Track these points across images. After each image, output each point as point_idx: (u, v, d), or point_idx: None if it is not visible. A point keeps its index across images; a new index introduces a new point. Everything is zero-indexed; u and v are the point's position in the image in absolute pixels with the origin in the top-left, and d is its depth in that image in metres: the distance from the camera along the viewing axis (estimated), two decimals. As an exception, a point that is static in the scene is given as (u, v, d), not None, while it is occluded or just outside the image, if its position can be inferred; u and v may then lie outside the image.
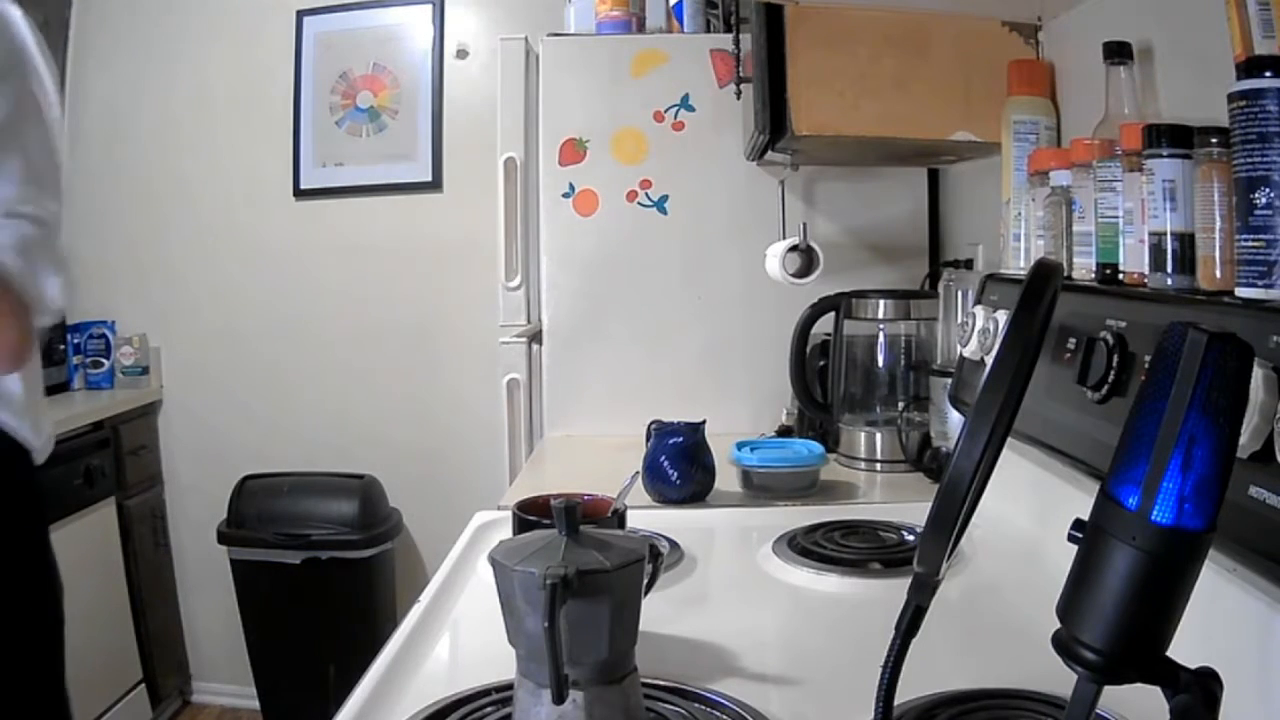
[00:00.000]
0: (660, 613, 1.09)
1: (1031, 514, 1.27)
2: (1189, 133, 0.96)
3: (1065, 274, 1.19)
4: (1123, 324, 0.98)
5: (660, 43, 2.26)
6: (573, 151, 2.22)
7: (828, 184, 2.21)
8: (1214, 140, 0.91)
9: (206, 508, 3.12)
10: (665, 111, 2.20)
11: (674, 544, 1.36)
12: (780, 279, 1.96)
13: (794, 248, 1.96)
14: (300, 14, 3.17)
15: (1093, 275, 1.15)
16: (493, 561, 0.77)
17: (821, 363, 2.02)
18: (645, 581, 0.81)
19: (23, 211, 1.25)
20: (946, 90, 1.62)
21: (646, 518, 1.45)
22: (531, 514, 1.18)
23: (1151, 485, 0.55)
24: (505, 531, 1.25)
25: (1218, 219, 0.91)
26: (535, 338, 2.32)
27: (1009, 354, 0.63)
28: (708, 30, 2.34)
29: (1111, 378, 0.96)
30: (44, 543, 1.36)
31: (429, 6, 3.24)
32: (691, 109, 2.20)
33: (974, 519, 0.72)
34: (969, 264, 1.90)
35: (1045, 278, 0.66)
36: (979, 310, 1.36)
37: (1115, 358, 0.96)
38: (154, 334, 3.26)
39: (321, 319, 3.23)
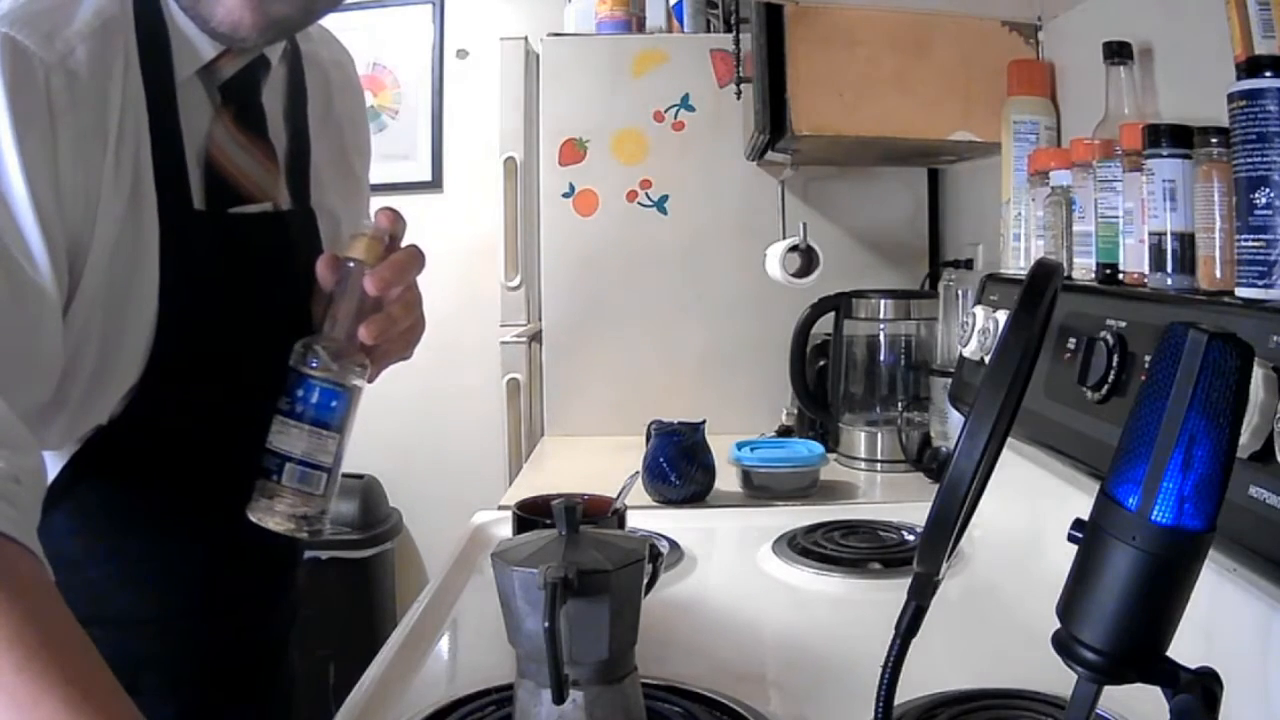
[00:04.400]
0: (660, 613, 1.09)
1: (1031, 514, 1.27)
2: (1189, 133, 0.96)
3: (1065, 274, 1.19)
4: (1123, 324, 0.98)
5: (660, 43, 2.26)
6: (573, 151, 2.22)
7: (828, 184, 2.21)
8: (1214, 140, 0.91)
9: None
10: (665, 111, 2.20)
11: (674, 544, 1.36)
12: (780, 279, 1.95)
13: (794, 248, 1.96)
14: (300, 14, 3.17)
15: (1093, 275, 1.15)
16: (493, 561, 0.77)
17: (821, 363, 2.02)
18: (645, 581, 0.81)
19: None
20: (946, 90, 1.62)
21: (646, 518, 1.45)
22: (531, 514, 1.18)
23: (1151, 485, 0.55)
24: (505, 531, 1.26)
25: (1218, 219, 0.91)
26: (535, 338, 2.32)
27: (1009, 354, 0.63)
28: (708, 30, 2.34)
29: (1111, 378, 0.96)
30: None
31: (429, 6, 3.24)
32: (691, 109, 2.20)
33: (974, 519, 0.72)
34: (969, 264, 1.90)
35: (1045, 278, 0.66)
36: (979, 310, 1.36)
37: (1115, 358, 0.96)
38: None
39: (321, 319, 3.22)
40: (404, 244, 0.95)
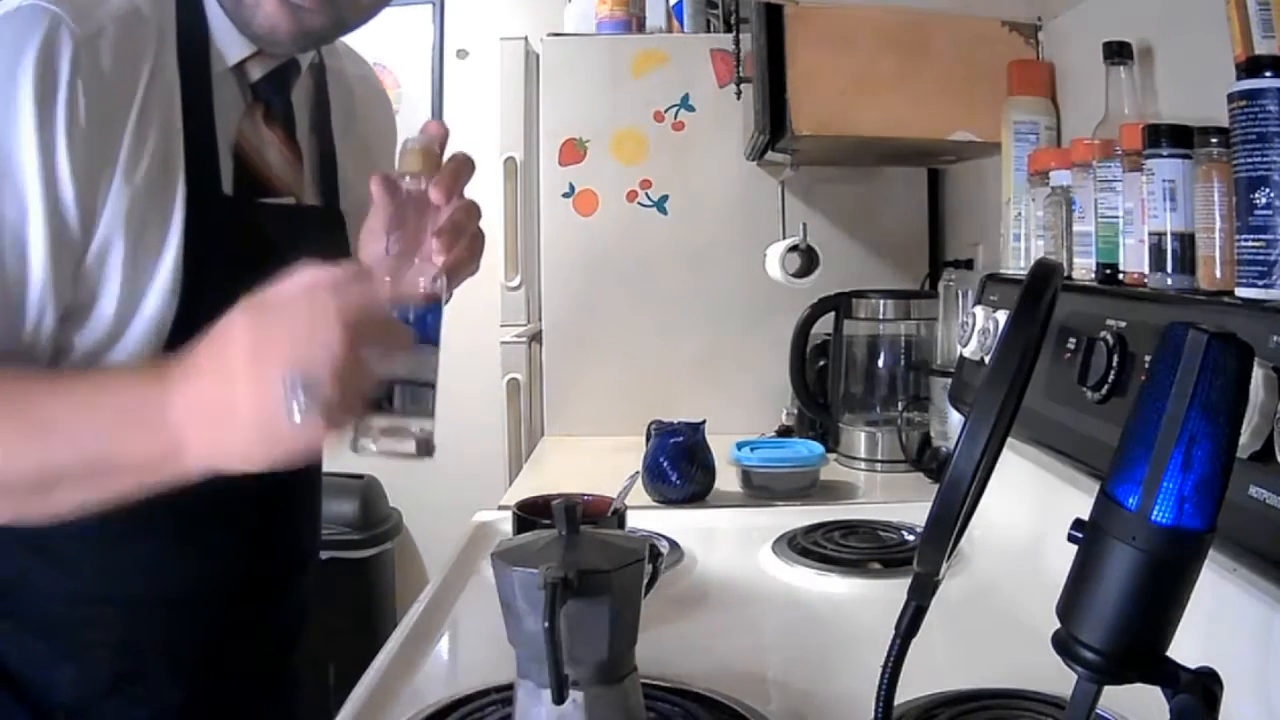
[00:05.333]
0: (660, 613, 1.09)
1: (1031, 514, 1.27)
2: (1189, 133, 0.96)
3: (1065, 274, 1.19)
4: (1123, 324, 0.98)
5: (660, 43, 2.26)
6: (573, 151, 2.22)
7: (828, 184, 2.21)
8: (1214, 140, 0.91)
9: (206, 508, 3.12)
10: (665, 111, 2.20)
11: (674, 544, 1.36)
12: (780, 279, 1.95)
13: (794, 248, 1.96)
14: (300, 14, 3.17)
15: (1093, 275, 1.15)
16: (493, 561, 0.77)
17: (821, 363, 2.02)
18: (645, 581, 0.81)
19: None
20: (946, 90, 1.62)
21: (646, 518, 1.45)
22: (531, 514, 1.18)
23: (1151, 485, 0.55)
24: (505, 531, 1.26)
25: (1218, 219, 0.91)
26: (535, 338, 2.31)
27: (1009, 354, 0.63)
28: (708, 30, 2.34)
29: (1111, 378, 0.96)
30: None
31: (429, 6, 3.24)
32: (691, 109, 2.20)
33: (974, 519, 0.72)
34: (969, 264, 1.90)
35: (1045, 278, 0.66)
36: (979, 310, 1.36)
37: (1115, 358, 0.96)
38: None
39: (321, 319, 3.22)
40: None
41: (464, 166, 0.93)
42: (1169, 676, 0.58)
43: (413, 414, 0.86)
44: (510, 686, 0.81)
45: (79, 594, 0.95)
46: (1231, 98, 0.85)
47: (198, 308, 0.91)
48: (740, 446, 1.73)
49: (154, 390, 0.76)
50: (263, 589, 1.08)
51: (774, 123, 1.62)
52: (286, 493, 1.09)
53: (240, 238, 0.96)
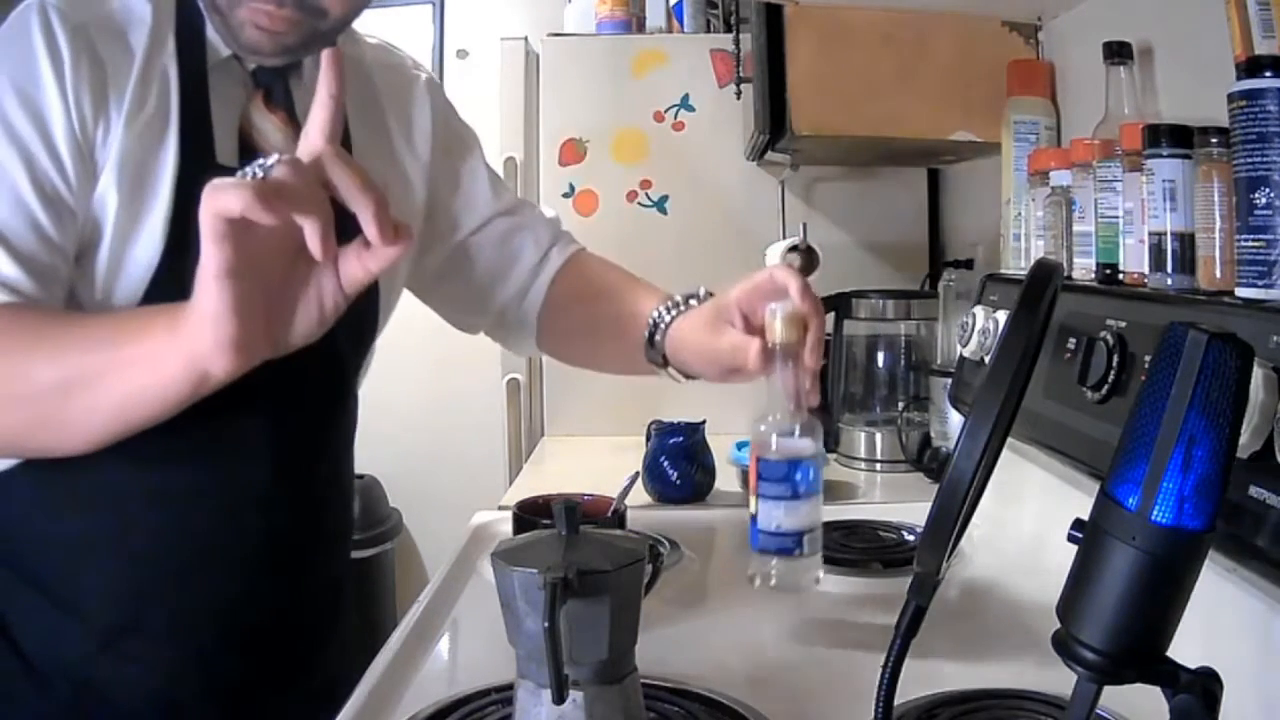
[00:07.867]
0: (660, 613, 1.09)
1: (1032, 514, 1.27)
2: (1189, 133, 0.96)
3: (1065, 274, 1.19)
4: (1123, 324, 0.98)
5: (660, 43, 2.26)
6: (573, 151, 2.22)
7: (828, 184, 2.21)
8: (1214, 140, 0.91)
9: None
10: (665, 111, 2.20)
11: (674, 544, 1.36)
12: (780, 279, 1.95)
13: (794, 248, 1.95)
14: (300, 14, 3.17)
15: (1093, 275, 1.15)
16: (493, 561, 0.77)
17: (821, 363, 2.02)
18: (645, 581, 0.81)
19: None
20: (946, 90, 1.62)
21: (646, 518, 1.45)
22: (531, 514, 1.18)
23: (1151, 485, 0.55)
24: (505, 531, 1.26)
25: (1218, 219, 0.91)
26: (535, 338, 2.31)
27: (1009, 354, 0.63)
28: (708, 30, 2.34)
29: (1111, 378, 0.96)
30: None
31: (429, 6, 3.24)
32: (691, 109, 2.20)
33: (974, 519, 0.72)
34: (969, 264, 1.90)
35: (1045, 278, 0.66)
36: (979, 310, 1.36)
37: (1115, 358, 0.96)
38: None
39: (321, 319, 3.22)
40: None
41: (822, 329, 1.07)
42: (1169, 676, 0.58)
43: (809, 555, 1.00)
44: (510, 686, 0.81)
45: (78, 545, 0.98)
46: (1231, 98, 0.85)
47: (180, 268, 0.93)
48: (740, 446, 1.72)
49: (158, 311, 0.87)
50: (275, 560, 1.08)
51: (774, 123, 1.62)
52: (306, 475, 1.11)
53: None
